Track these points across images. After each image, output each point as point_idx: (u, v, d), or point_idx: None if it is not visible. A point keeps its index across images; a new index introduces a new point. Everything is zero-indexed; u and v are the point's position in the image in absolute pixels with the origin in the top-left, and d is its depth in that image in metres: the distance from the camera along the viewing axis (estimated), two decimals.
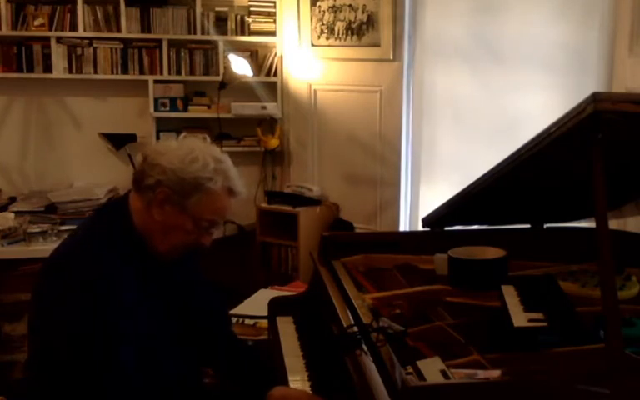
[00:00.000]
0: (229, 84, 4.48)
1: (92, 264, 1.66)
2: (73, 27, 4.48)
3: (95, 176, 4.65)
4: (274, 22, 4.67)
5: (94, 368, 1.62)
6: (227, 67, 4.50)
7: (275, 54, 4.71)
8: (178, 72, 4.64)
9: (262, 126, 4.69)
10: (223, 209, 1.76)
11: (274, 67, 4.71)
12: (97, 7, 4.51)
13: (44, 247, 3.77)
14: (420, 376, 1.50)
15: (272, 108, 4.70)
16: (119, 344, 1.64)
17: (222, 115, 4.60)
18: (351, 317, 1.83)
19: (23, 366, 1.87)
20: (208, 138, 1.83)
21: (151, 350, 1.72)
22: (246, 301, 2.94)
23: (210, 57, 4.66)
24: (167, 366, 1.78)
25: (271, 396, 1.80)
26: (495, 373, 1.52)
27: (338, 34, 4.46)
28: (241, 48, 4.63)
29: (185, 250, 1.79)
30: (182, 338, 1.85)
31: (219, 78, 4.54)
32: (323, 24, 4.51)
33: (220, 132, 4.55)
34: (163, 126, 4.70)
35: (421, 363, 1.55)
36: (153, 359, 1.73)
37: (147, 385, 1.70)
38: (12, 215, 4.16)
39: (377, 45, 4.30)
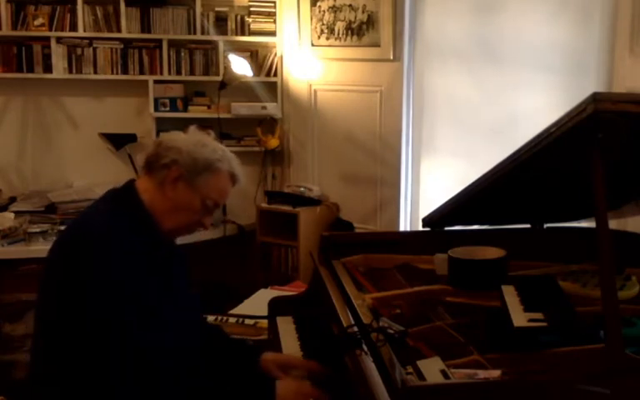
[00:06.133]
0: (229, 84, 4.48)
1: (108, 241, 1.73)
2: (73, 27, 4.49)
3: (95, 176, 4.64)
4: (274, 22, 4.66)
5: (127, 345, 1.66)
6: (227, 67, 4.51)
7: (275, 54, 4.71)
8: (178, 72, 4.65)
9: (262, 126, 4.69)
10: (225, 192, 1.93)
11: (274, 67, 4.71)
12: (97, 7, 4.52)
13: (44, 247, 3.71)
14: (420, 376, 1.50)
15: (272, 108, 4.70)
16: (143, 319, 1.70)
17: (222, 115, 4.60)
18: (351, 317, 1.83)
19: (30, 360, 1.86)
20: (212, 133, 2.03)
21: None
22: (246, 301, 2.94)
23: (210, 57, 4.66)
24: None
25: (264, 360, 1.95)
26: (495, 373, 1.52)
27: (338, 34, 4.46)
28: (241, 48, 4.63)
29: (187, 231, 1.92)
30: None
31: (219, 78, 4.54)
32: (323, 24, 4.51)
33: (220, 132, 4.54)
34: (163, 126, 4.69)
35: (421, 363, 1.55)
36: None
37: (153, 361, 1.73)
38: (12, 215, 4.17)
39: (376, 45, 4.30)
